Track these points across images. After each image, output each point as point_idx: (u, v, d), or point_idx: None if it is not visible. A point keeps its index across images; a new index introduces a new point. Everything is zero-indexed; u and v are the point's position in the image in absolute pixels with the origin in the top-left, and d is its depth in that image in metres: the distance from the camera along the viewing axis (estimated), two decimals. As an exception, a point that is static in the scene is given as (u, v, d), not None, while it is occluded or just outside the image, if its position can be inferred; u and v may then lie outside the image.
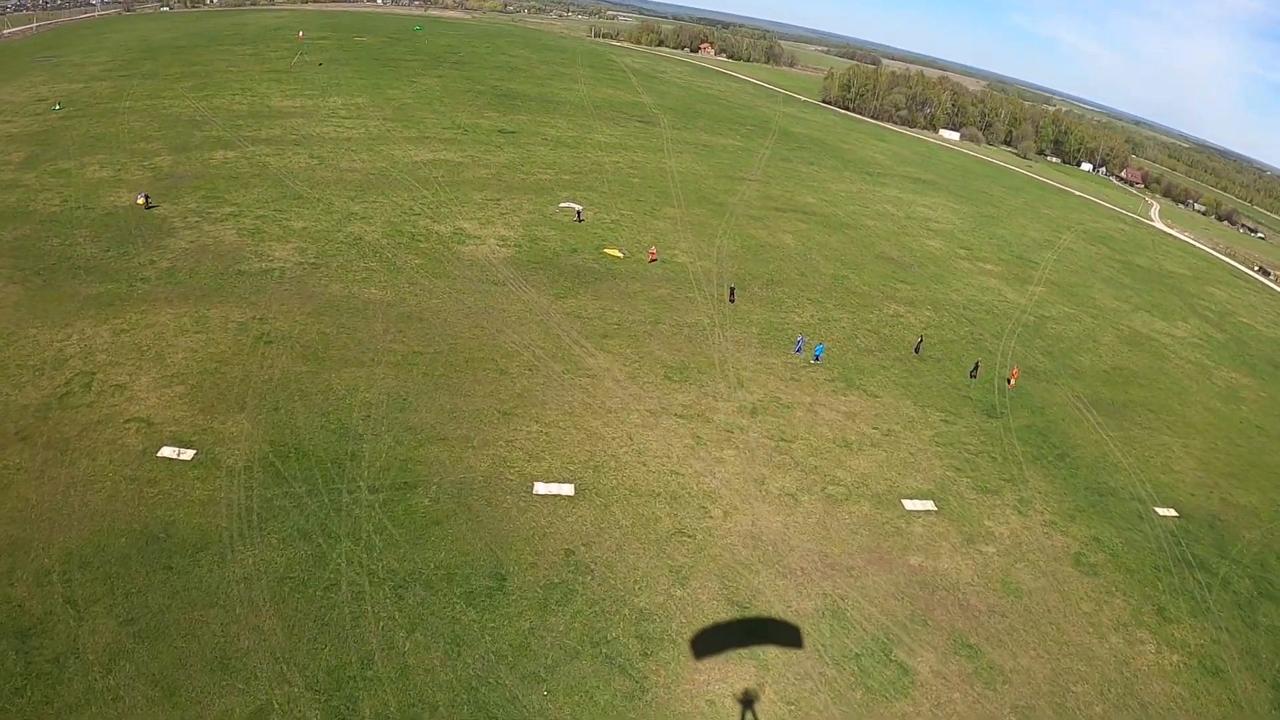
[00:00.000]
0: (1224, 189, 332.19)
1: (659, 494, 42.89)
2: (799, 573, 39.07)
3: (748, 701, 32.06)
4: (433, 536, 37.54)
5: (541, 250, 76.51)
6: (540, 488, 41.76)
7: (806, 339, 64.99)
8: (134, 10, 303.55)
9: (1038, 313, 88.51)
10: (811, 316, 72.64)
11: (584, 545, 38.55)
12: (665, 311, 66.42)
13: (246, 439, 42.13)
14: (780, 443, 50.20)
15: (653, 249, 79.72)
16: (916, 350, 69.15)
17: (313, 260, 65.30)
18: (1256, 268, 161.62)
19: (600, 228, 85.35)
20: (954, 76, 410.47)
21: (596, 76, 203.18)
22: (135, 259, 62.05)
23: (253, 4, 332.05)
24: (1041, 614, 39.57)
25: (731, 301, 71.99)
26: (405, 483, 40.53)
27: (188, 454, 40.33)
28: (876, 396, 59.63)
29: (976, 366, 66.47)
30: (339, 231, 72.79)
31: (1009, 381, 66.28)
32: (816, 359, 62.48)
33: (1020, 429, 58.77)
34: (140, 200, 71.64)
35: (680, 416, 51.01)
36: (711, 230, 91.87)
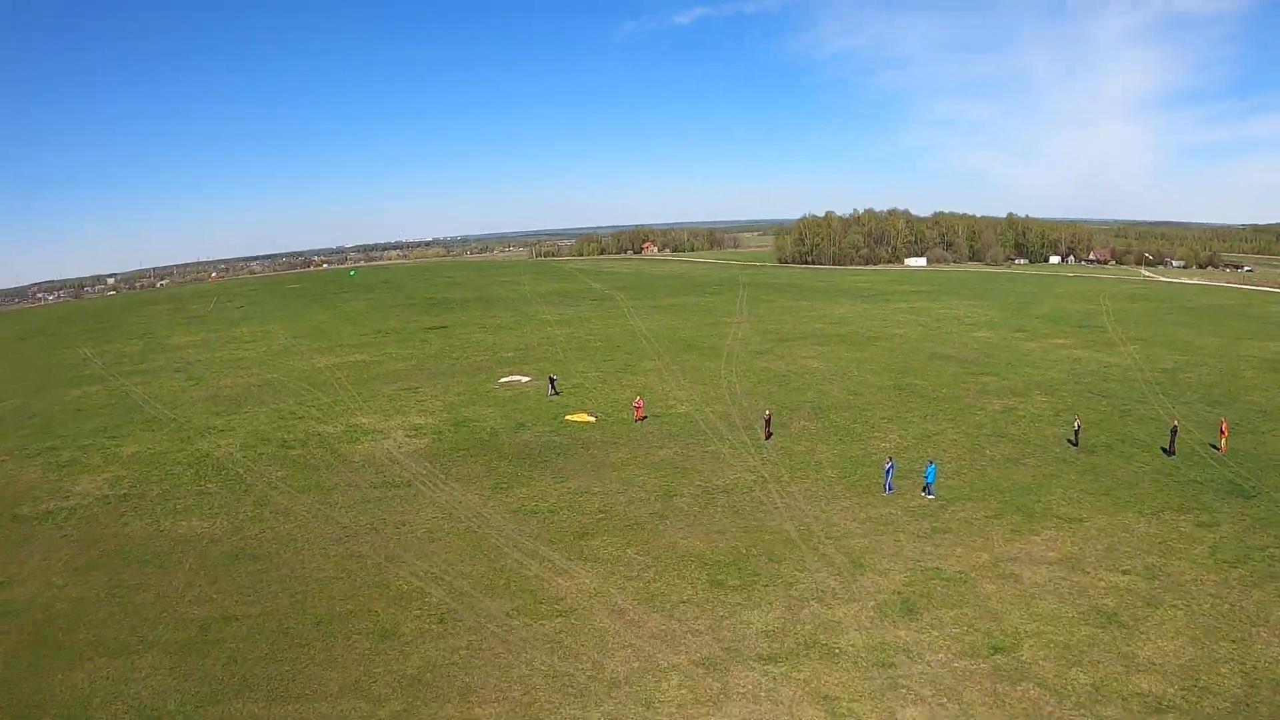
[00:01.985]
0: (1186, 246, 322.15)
1: None
2: None
3: None
4: None
5: (472, 433, 51.43)
6: None
7: (896, 464, 38.97)
8: (80, 297, 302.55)
9: (1154, 367, 67.40)
10: (901, 436, 47.18)
11: None
12: (679, 478, 40.58)
13: None
14: (995, 659, 23.17)
15: (639, 401, 54.97)
16: (1074, 441, 43.81)
17: (124, 491, 43.10)
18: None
19: (559, 396, 60.53)
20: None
21: (540, 278, 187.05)
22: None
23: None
24: None
25: (768, 438, 46.77)
26: None
27: None
28: (1080, 520, 33.56)
29: (1174, 436, 41.30)
30: (181, 451, 49.63)
31: (1219, 446, 42.99)
32: (928, 489, 36.36)
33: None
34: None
35: (771, 661, 24.04)
36: (712, 372, 68.43)
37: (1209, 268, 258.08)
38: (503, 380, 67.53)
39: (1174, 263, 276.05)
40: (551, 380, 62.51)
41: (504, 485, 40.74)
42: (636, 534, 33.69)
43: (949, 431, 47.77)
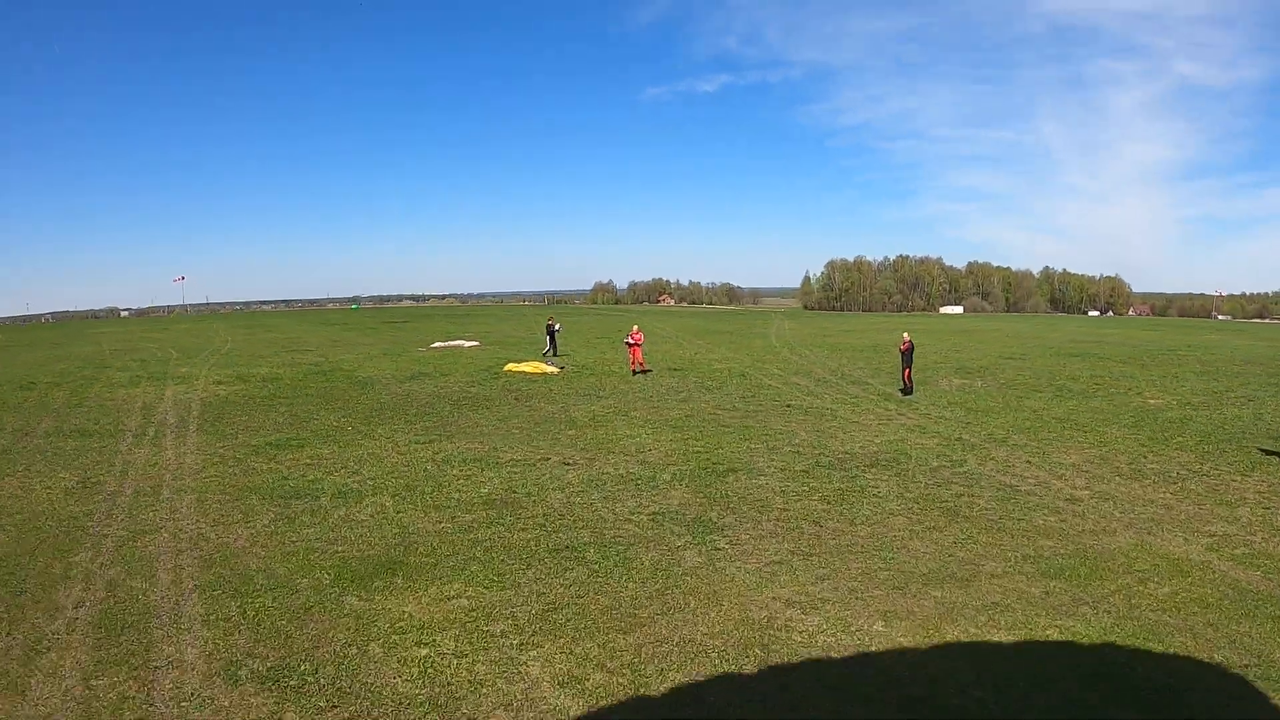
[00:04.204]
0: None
1: None
2: None
3: None
4: None
5: (313, 378, 30.92)
6: None
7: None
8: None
9: None
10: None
11: None
12: (761, 440, 20.18)
13: None
14: None
15: (635, 334, 34.93)
16: None
17: None
18: None
19: (506, 350, 40.09)
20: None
21: (557, 314, 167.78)
22: None
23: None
24: None
25: (908, 391, 27.65)
26: None
27: None
28: None
29: None
30: None
31: None
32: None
33: None
34: None
35: None
36: (761, 345, 47.69)
37: (1258, 319, 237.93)
38: (437, 344, 47.63)
39: (1220, 316, 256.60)
40: (551, 333, 42.41)
41: (283, 446, 20.05)
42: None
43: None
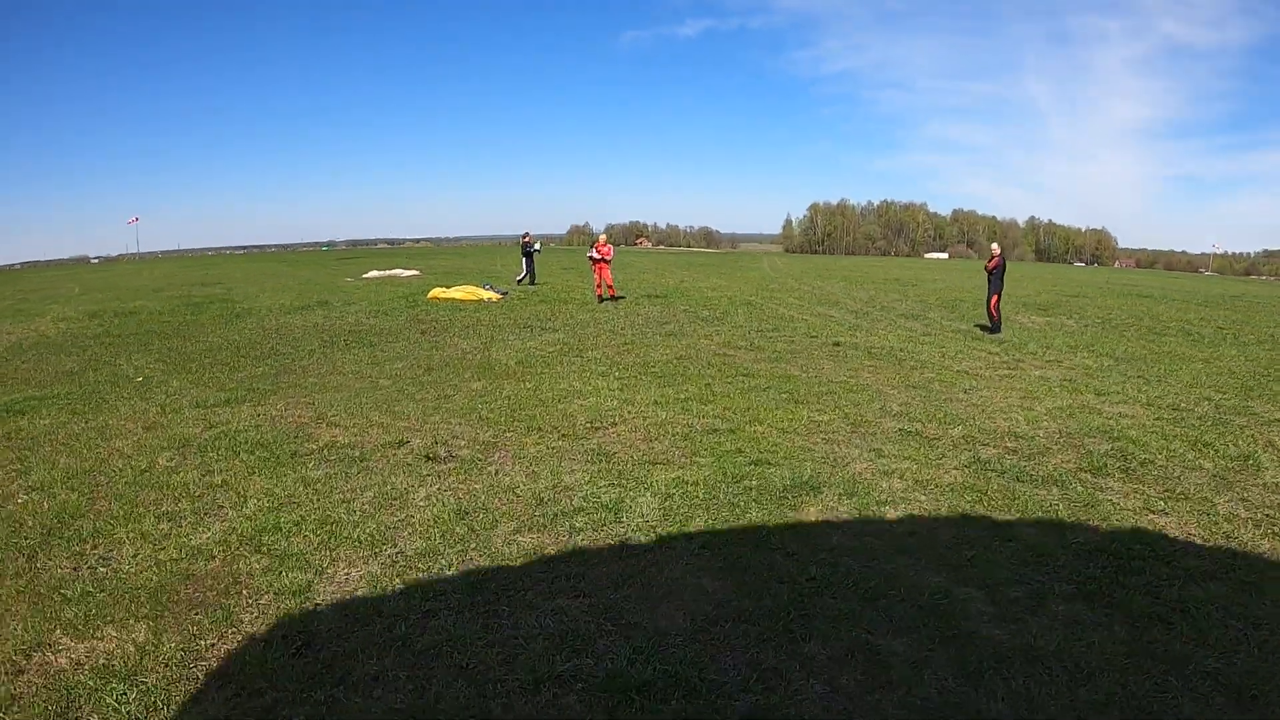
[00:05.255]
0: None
1: None
2: None
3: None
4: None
5: (172, 310, 20.95)
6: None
7: None
8: None
9: None
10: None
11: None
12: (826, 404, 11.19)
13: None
14: None
15: (601, 245, 25.72)
16: None
17: None
18: None
19: (448, 279, 30.51)
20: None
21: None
22: None
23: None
24: None
25: (994, 328, 19.20)
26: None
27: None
28: None
29: None
30: None
31: None
32: None
33: None
34: None
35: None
36: (751, 269, 38.44)
37: (1248, 276, 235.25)
38: (372, 274, 38.25)
39: (1207, 273, 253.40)
40: (528, 254, 34.12)
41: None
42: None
43: None
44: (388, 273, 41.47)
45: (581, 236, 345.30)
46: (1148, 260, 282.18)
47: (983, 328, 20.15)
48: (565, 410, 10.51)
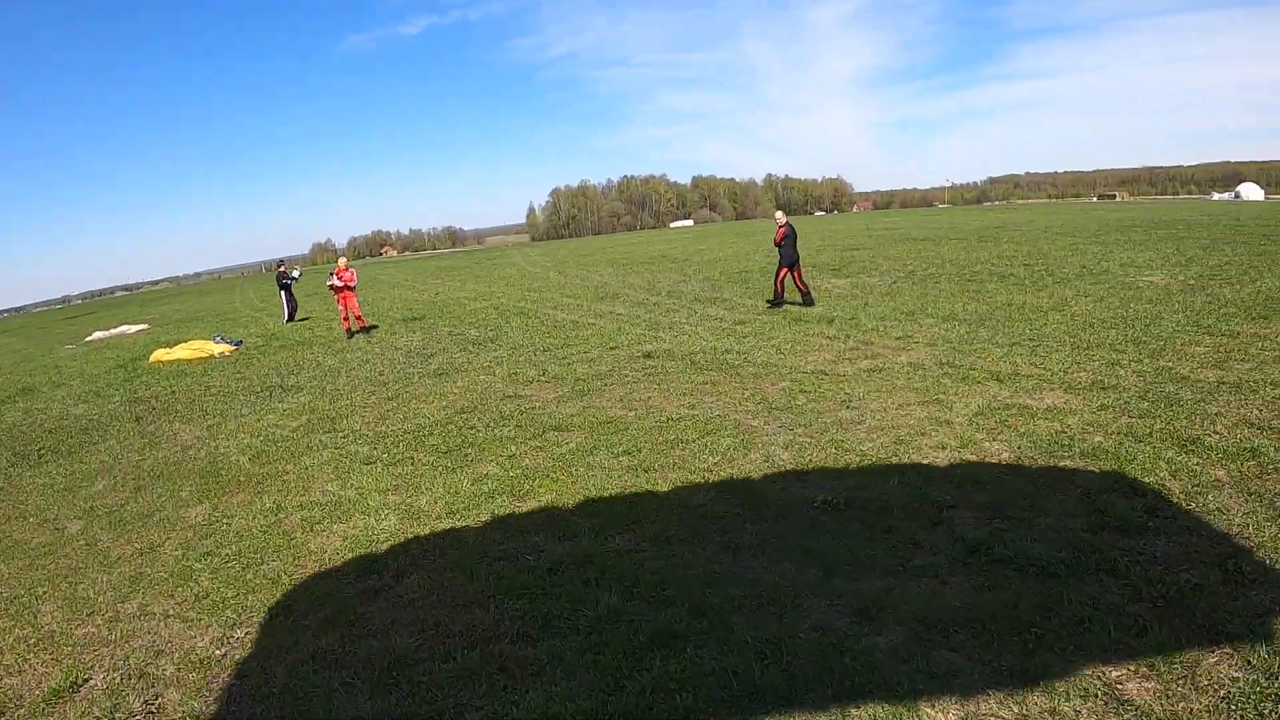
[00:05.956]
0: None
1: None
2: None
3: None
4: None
5: None
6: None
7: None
8: None
9: None
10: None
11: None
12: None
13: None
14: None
15: (341, 270, 21.59)
16: None
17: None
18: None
19: (183, 329, 24.58)
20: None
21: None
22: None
23: None
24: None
25: (798, 301, 16.62)
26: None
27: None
28: None
29: None
30: None
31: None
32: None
33: None
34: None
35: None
36: (508, 265, 35.00)
37: (980, 203, 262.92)
38: (97, 335, 34.11)
39: (941, 205, 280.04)
40: (285, 286, 28.53)
41: None
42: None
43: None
44: (113, 331, 34.81)
45: (326, 255, 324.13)
46: (883, 201, 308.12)
47: (771, 303, 17.86)
48: (322, 552, 6.69)
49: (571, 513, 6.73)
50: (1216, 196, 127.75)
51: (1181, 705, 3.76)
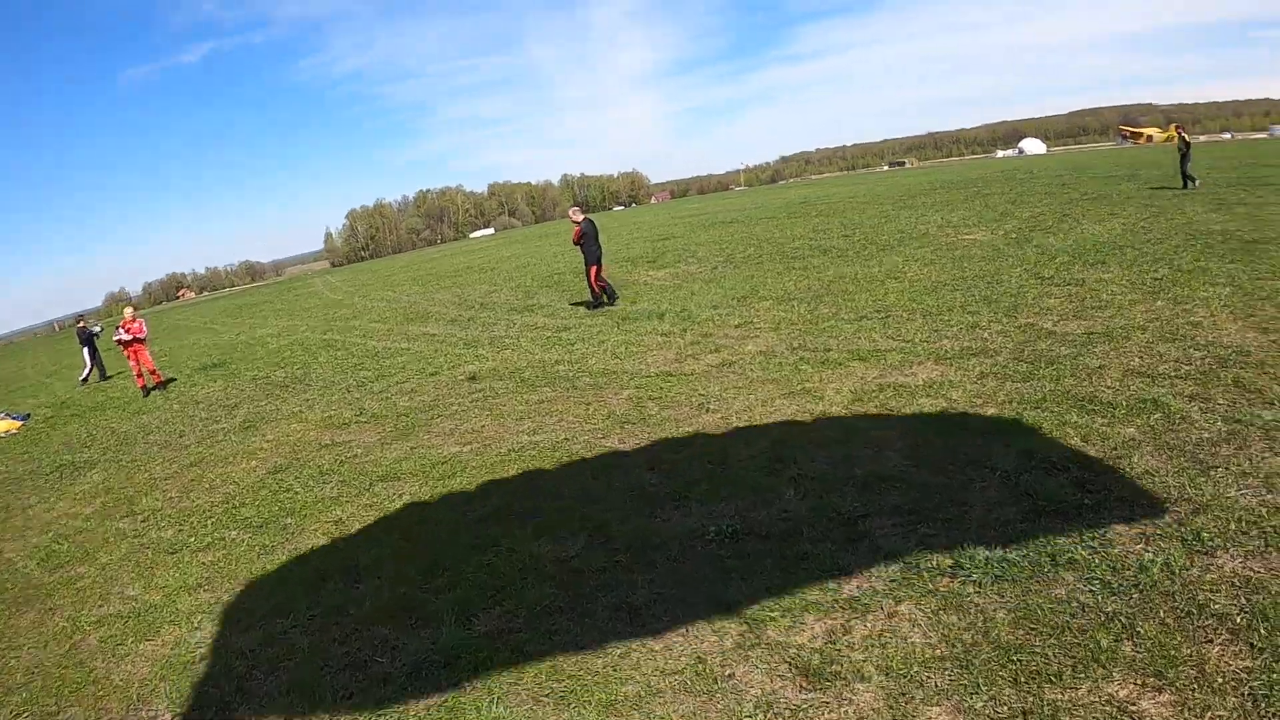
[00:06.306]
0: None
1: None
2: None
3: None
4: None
5: None
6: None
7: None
8: None
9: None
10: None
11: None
12: None
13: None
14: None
15: (128, 322, 18.70)
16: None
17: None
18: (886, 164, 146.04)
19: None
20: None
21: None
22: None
23: None
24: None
25: (607, 298, 17.37)
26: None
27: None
28: None
29: None
30: None
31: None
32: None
33: None
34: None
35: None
36: (309, 296, 32.50)
37: (775, 182, 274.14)
38: None
39: (739, 188, 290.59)
40: (88, 341, 24.65)
41: None
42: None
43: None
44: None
45: (122, 305, 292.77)
46: (681, 189, 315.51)
47: (589, 305, 17.03)
48: (128, 686, 5.21)
49: (420, 589, 5.41)
50: (1001, 154, 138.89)
51: (1208, 717, 3.15)
